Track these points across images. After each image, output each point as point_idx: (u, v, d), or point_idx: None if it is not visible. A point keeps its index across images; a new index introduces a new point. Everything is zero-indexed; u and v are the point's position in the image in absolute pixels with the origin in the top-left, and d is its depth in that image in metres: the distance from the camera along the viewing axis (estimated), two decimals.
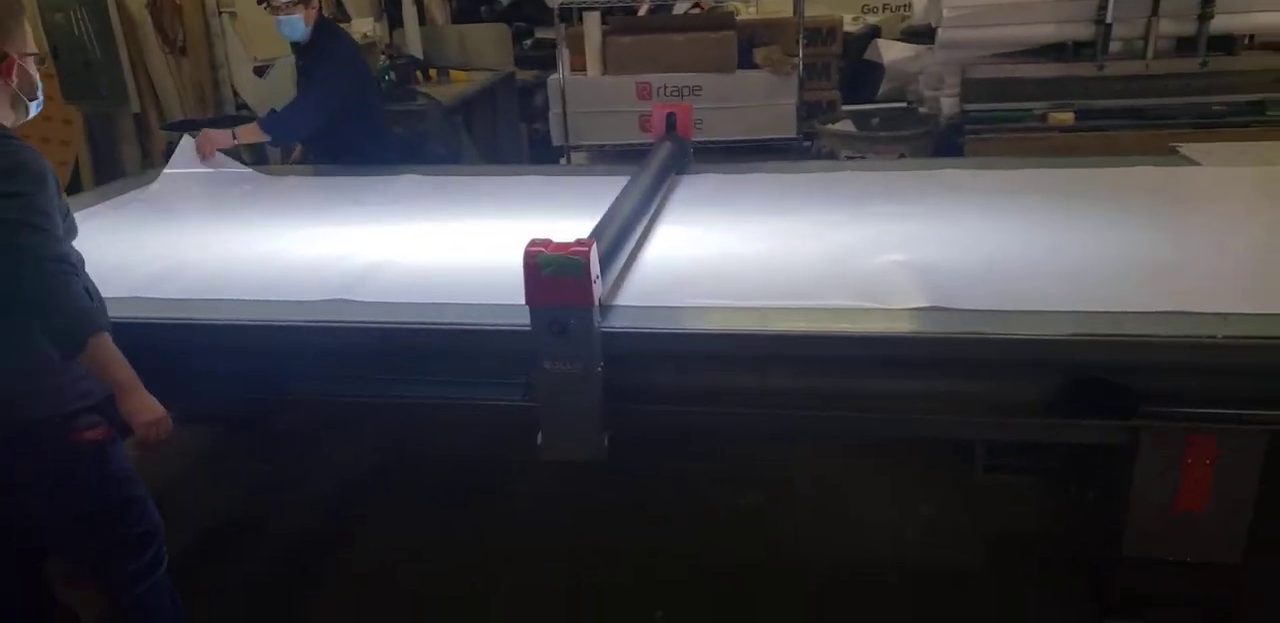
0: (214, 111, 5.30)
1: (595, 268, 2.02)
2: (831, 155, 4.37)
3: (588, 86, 4.77)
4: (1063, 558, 2.61)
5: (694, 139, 3.59)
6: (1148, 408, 2.07)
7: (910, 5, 5.68)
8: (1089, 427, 2.17)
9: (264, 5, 3.63)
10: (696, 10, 5.96)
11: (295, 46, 3.81)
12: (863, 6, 6.71)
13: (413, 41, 6.06)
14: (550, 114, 4.86)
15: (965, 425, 2.25)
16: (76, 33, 5.03)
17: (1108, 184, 3.03)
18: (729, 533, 2.82)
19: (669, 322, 2.19)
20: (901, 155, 4.27)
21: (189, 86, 5.41)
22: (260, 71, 5.14)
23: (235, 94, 5.35)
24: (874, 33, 5.56)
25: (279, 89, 5.07)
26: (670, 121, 3.40)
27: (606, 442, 2.15)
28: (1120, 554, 2.31)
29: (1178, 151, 3.35)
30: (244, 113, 5.19)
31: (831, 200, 2.99)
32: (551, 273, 1.97)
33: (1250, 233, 2.59)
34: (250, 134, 3.75)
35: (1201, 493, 2.21)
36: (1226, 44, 4.05)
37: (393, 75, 5.30)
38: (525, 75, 6.44)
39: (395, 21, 6.16)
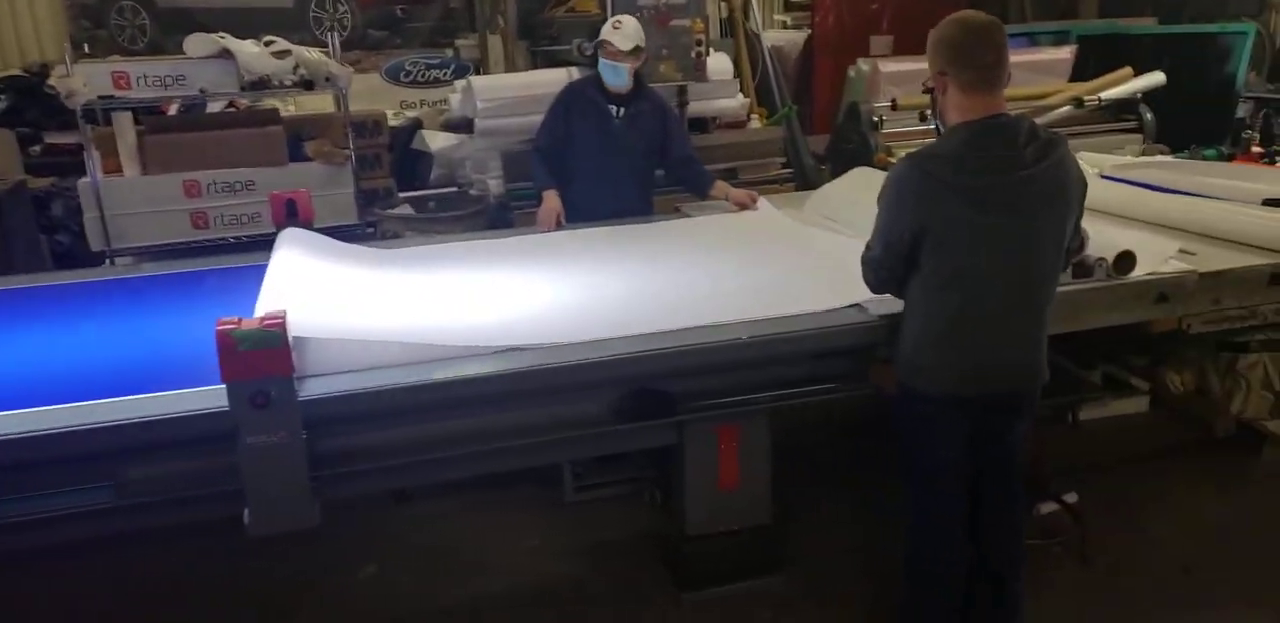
0: None
1: (292, 336, 2.12)
2: (397, 236, 4.62)
3: (126, 188, 4.57)
4: (651, 552, 3.02)
5: (257, 232, 3.63)
6: (684, 405, 2.56)
7: (445, 100, 6.19)
8: (645, 430, 2.61)
9: (585, 51, 3.46)
10: (232, 109, 5.95)
11: (603, 93, 3.81)
12: (400, 102, 7.17)
13: None
14: (85, 219, 4.55)
15: (548, 448, 2.57)
16: None
17: (639, 236, 3.67)
18: (353, 604, 2.86)
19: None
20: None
21: None
22: None
23: None
24: (417, 125, 5.98)
25: None
26: (290, 208, 3.41)
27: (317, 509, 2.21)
28: (685, 534, 2.77)
29: (679, 210, 4.10)
30: None
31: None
32: (250, 346, 2.02)
33: (733, 261, 3.26)
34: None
35: (734, 473, 2.74)
36: (701, 125, 5.02)
37: None
38: (38, 183, 5.86)
39: None
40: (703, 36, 4.88)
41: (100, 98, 4.41)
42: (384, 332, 2.46)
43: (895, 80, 5.20)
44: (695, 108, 5.09)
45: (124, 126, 4.62)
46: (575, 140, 3.87)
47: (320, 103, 5.82)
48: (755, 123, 5.68)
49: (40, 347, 2.74)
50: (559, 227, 3.77)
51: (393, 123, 5.91)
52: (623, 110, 3.87)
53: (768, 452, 2.76)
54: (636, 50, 3.77)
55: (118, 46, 6.87)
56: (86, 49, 6.67)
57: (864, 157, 4.61)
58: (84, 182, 4.54)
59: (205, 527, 2.30)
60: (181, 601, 2.87)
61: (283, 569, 2.96)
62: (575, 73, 4.88)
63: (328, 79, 4.76)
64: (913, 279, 2.31)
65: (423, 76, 7.29)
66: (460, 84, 5.29)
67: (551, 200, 3.80)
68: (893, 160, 4.30)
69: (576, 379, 2.46)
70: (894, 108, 4.64)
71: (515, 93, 4.81)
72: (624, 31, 3.73)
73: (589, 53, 4.83)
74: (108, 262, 4.59)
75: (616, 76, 3.79)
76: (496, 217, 4.75)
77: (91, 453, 2.18)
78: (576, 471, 3.26)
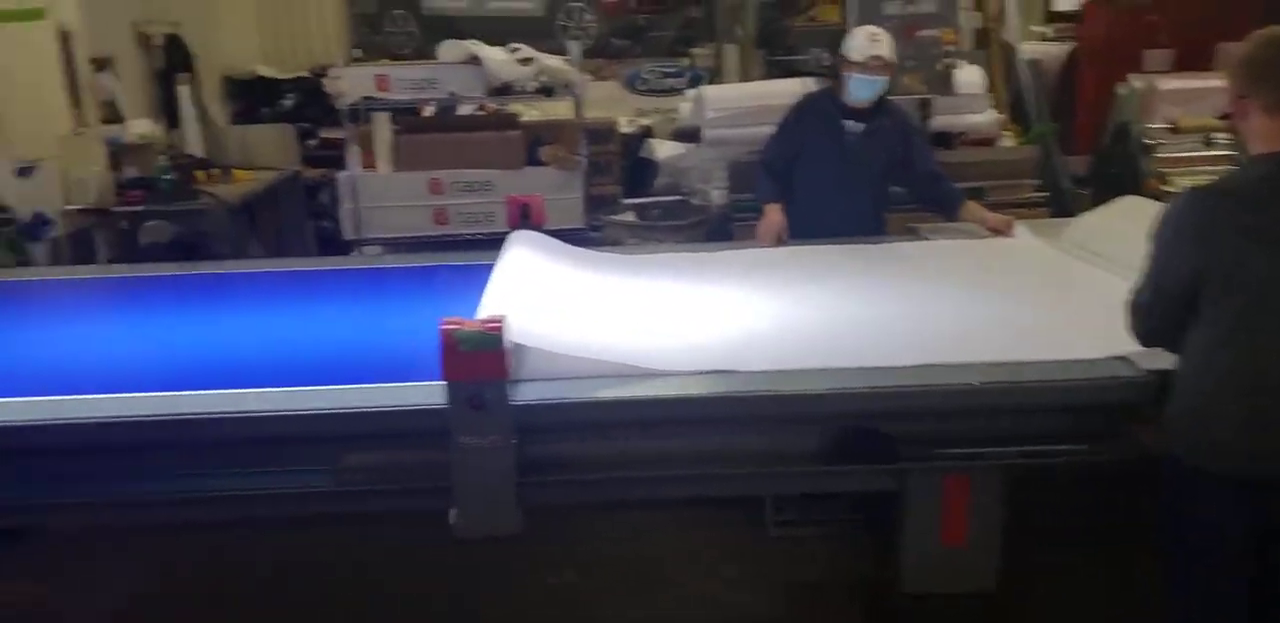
0: None
1: (508, 343, 2.14)
2: (617, 242, 4.67)
3: (379, 182, 4.87)
4: (857, 601, 2.83)
5: (490, 230, 3.75)
6: (908, 452, 2.35)
7: (677, 109, 6.21)
8: (861, 473, 2.42)
9: (855, 64, 3.49)
10: (480, 112, 6.24)
11: (841, 107, 3.65)
12: (636, 110, 7.26)
13: (192, 142, 5.96)
14: (341, 209, 4.90)
15: (755, 480, 2.46)
16: None
17: (868, 257, 3.47)
18: (548, 611, 2.85)
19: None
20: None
21: None
22: (23, 172, 4.88)
23: None
24: (647, 133, 6.03)
25: (43, 190, 4.84)
26: (525, 211, 3.50)
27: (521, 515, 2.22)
28: (901, 591, 2.55)
29: (915, 230, 3.85)
30: (5, 215, 4.87)
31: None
32: (470, 348, 2.07)
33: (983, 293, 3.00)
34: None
35: (961, 528, 2.49)
36: (944, 140, 4.72)
37: (173, 175, 5.18)
38: (312, 173, 6.45)
39: (173, 122, 6.05)
40: (953, 48, 4.60)
41: (364, 98, 4.73)
42: (600, 348, 2.42)
43: (1174, 99, 4.67)
44: (940, 122, 4.80)
45: (381, 125, 4.93)
46: (808, 154, 3.71)
47: (559, 108, 5.99)
48: (1007, 141, 5.29)
49: (281, 329, 2.92)
50: (779, 242, 3.63)
51: (625, 130, 5.99)
52: (862, 125, 3.68)
53: (1001, 509, 2.49)
54: (891, 63, 3.57)
55: (388, 52, 7.38)
56: (361, 54, 7.23)
57: (1132, 183, 4.18)
58: (344, 174, 4.89)
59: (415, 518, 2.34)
60: (373, 586, 2.96)
61: (481, 565, 3.00)
62: (811, 83, 4.74)
63: (567, 86, 4.88)
64: (1191, 330, 1.98)
65: (659, 85, 7.36)
66: (692, 93, 5.27)
67: (774, 214, 3.66)
68: (1167, 188, 3.86)
69: (792, 410, 2.32)
70: (1175, 130, 4.15)
71: (746, 103, 4.73)
72: (883, 44, 3.54)
73: (828, 64, 4.70)
74: (357, 250, 4.93)
75: (868, 91, 3.59)
76: (717, 228, 4.68)
77: (311, 437, 2.26)
78: (779, 505, 3.11)
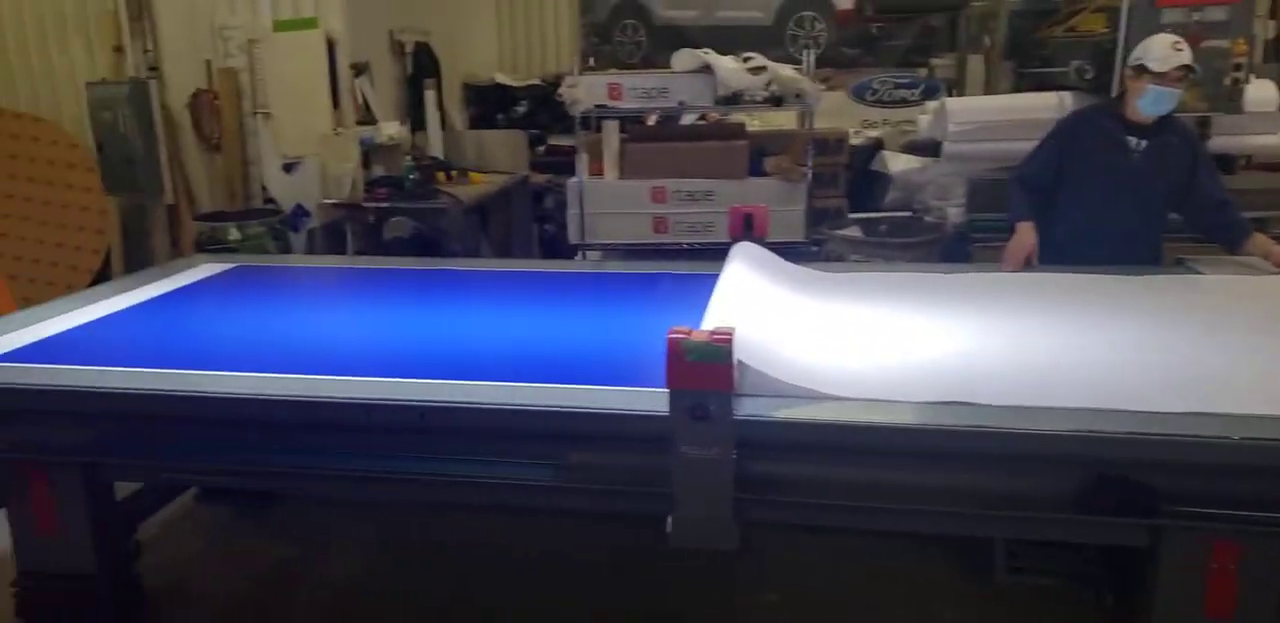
0: (244, 204, 5.48)
1: (735, 356, 2.11)
2: (839, 258, 4.51)
3: (605, 189, 4.96)
4: None
5: (708, 240, 3.70)
6: (1170, 508, 2.11)
7: (910, 121, 5.97)
8: (1110, 526, 2.20)
9: (1153, 75, 3.21)
10: (703, 121, 6.25)
11: (1121, 122, 3.36)
12: (862, 121, 7.04)
13: (434, 144, 6.31)
14: (568, 214, 5.03)
15: (988, 521, 2.28)
16: (121, 129, 5.27)
17: (1127, 290, 3.16)
18: None
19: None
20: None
21: (220, 181, 5.61)
22: (289, 168, 5.34)
23: (264, 189, 5.54)
24: (877, 145, 5.82)
25: (305, 185, 5.27)
26: (748, 222, 3.46)
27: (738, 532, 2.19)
28: None
29: (1184, 262, 3.48)
30: (271, 206, 5.35)
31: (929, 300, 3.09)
32: (697, 358, 2.06)
33: (1258, 338, 2.67)
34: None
35: (1228, 600, 2.21)
36: (1225, 163, 4.25)
37: (416, 174, 5.50)
38: (539, 178, 6.68)
39: (417, 125, 6.43)
40: (1244, 60, 4.14)
41: (596, 106, 4.83)
42: (823, 376, 2.33)
43: None
44: (1222, 143, 4.34)
45: (611, 133, 5.02)
46: (1082, 171, 3.41)
47: (783, 118, 5.90)
48: None
49: (509, 326, 2.99)
50: (1028, 265, 3.38)
51: (853, 142, 5.82)
52: (1144, 142, 3.34)
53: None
54: (1191, 72, 3.24)
55: (617, 61, 7.55)
56: (592, 62, 7.43)
57: None
58: (573, 181, 5.02)
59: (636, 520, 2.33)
60: (575, 584, 2.98)
61: (687, 577, 2.96)
62: (1068, 98, 4.42)
63: (798, 96, 4.78)
64: None
65: (889, 96, 7.11)
66: (932, 104, 5.04)
67: (1027, 234, 3.40)
68: None
69: (1037, 450, 2.13)
70: None
71: (994, 116, 4.46)
72: (1186, 54, 3.20)
73: (1090, 77, 4.35)
74: (580, 254, 5.05)
75: (1165, 104, 3.26)
76: (952, 248, 4.43)
77: (538, 433, 2.31)
78: (1012, 549, 2.87)
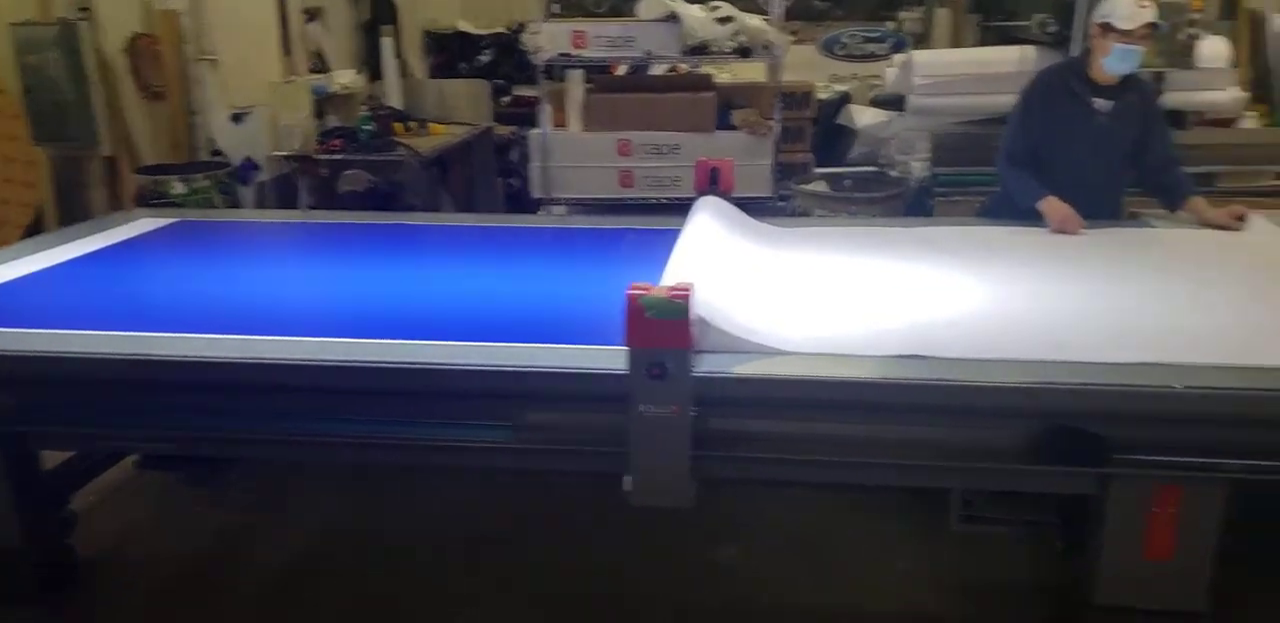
0: (188, 156, 5.30)
1: (693, 312, 2.08)
2: (805, 213, 4.49)
3: (569, 142, 4.87)
4: (1039, 608, 2.64)
5: (675, 195, 3.66)
6: (1117, 456, 2.14)
7: (878, 75, 5.90)
8: (1061, 474, 2.23)
9: (1119, 33, 3.16)
10: (672, 72, 6.14)
11: (1087, 83, 3.30)
12: (831, 75, 6.96)
13: (392, 94, 6.15)
14: (530, 167, 4.94)
15: (943, 472, 2.31)
16: (50, 73, 5.01)
17: (1087, 243, 3.18)
18: (708, 585, 2.80)
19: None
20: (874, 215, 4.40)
21: (163, 131, 5.40)
22: (237, 118, 5.18)
23: (210, 140, 5.36)
24: (845, 99, 5.76)
25: (254, 136, 5.11)
26: (713, 176, 3.41)
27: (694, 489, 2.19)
28: (1093, 603, 2.35)
29: (1139, 217, 3.49)
30: (219, 159, 5.19)
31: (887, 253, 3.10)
32: (655, 315, 2.03)
33: (1211, 290, 2.71)
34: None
35: (1168, 541, 2.26)
36: (1177, 119, 4.26)
37: (373, 125, 5.36)
38: (503, 130, 6.55)
39: (375, 74, 6.26)
40: (1197, 16, 4.12)
41: (560, 55, 4.72)
42: (781, 332, 2.32)
43: None
44: (1175, 99, 4.34)
45: (575, 83, 4.91)
46: (1048, 138, 3.34)
47: (753, 72, 5.81)
48: (1250, 122, 4.74)
49: (467, 284, 2.94)
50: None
51: (821, 96, 5.75)
52: (1111, 103, 3.29)
53: (1217, 524, 2.23)
54: (1156, 28, 3.20)
55: (583, 9, 7.37)
56: (558, 10, 7.24)
57: None
58: (535, 132, 4.92)
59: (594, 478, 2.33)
60: (532, 543, 2.97)
61: (645, 534, 2.97)
62: (1031, 52, 4.39)
63: (765, 47, 4.70)
64: None
65: (858, 49, 6.98)
66: (899, 58, 4.99)
67: (1056, 206, 3.26)
68: None
69: (989, 403, 2.15)
70: None
71: (959, 70, 4.43)
72: (1151, 9, 3.14)
73: (1053, 30, 4.31)
74: (543, 209, 4.97)
75: (1130, 62, 3.21)
76: (915, 202, 4.42)
77: (494, 393, 2.27)
78: (967, 498, 2.91)
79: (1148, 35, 3.18)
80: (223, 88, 5.15)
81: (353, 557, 2.94)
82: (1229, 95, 4.53)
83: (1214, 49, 4.40)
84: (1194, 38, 4.23)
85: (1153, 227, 3.38)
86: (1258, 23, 5.52)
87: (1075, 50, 4.11)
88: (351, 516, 3.18)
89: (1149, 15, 3.14)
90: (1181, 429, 2.14)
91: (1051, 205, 3.27)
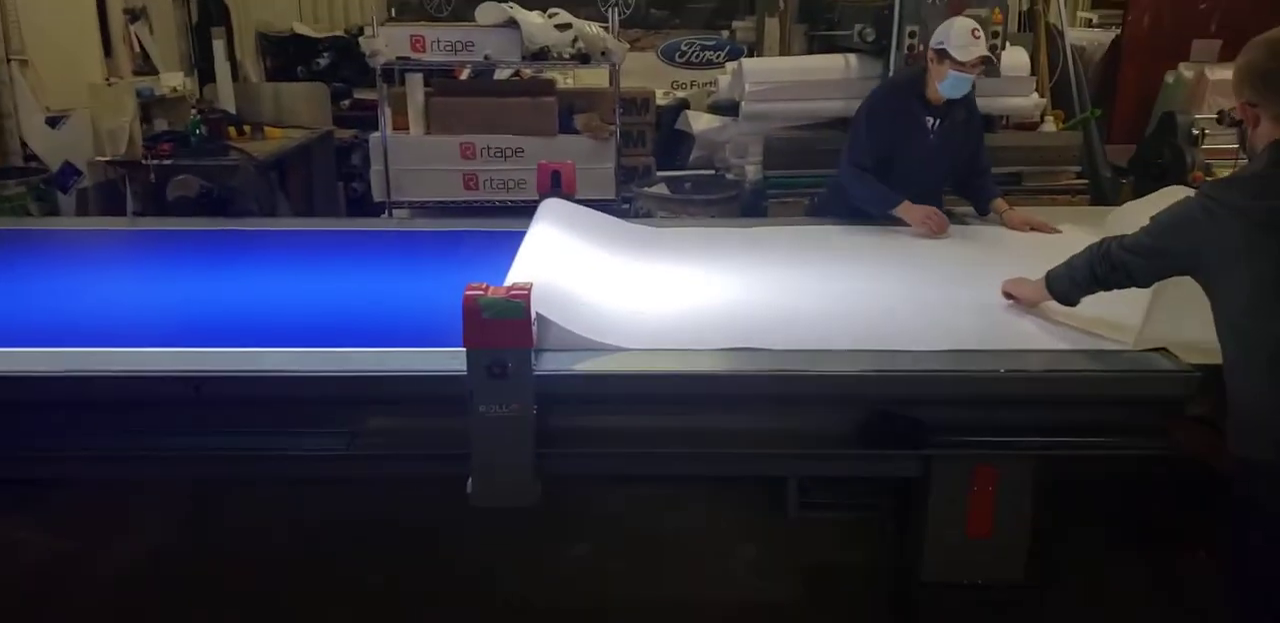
0: (0, 161, 4.94)
1: (534, 311, 2.09)
2: (648, 215, 4.59)
3: (411, 145, 4.83)
4: (876, 587, 2.78)
5: (520, 197, 3.69)
6: (936, 438, 2.30)
7: (715, 82, 6.10)
8: (887, 458, 2.36)
9: (954, 62, 3.30)
10: (516, 78, 6.16)
11: (922, 102, 3.46)
12: (672, 82, 7.14)
13: (225, 97, 5.92)
14: (371, 171, 4.87)
15: (778, 461, 2.42)
16: None
17: (894, 242, 3.38)
18: (563, 585, 2.83)
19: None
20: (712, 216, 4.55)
21: None
22: (53, 122, 4.86)
23: (24, 145, 5.01)
24: (683, 105, 5.92)
25: (73, 141, 4.82)
26: (555, 179, 3.43)
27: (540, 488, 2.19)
28: (920, 581, 2.50)
29: (953, 214, 3.74)
30: (33, 165, 4.86)
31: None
32: (494, 315, 2.02)
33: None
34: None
35: (987, 522, 2.43)
36: (987, 122, 4.59)
37: (203, 129, 5.15)
38: (344, 134, 6.41)
39: (207, 77, 6.01)
40: (999, 28, 4.46)
41: (399, 59, 4.67)
42: (621, 329, 2.39)
43: (1223, 90, 4.55)
44: (983, 104, 4.65)
45: (415, 87, 4.87)
46: (884, 153, 3.51)
47: (596, 78, 5.90)
48: (1050, 126, 5.16)
49: (304, 290, 2.89)
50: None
51: (661, 102, 5.89)
52: (940, 122, 3.51)
53: (1031, 500, 2.42)
54: (988, 62, 3.42)
55: (425, 13, 7.29)
56: (393, 14, 7.14)
57: (1176, 173, 4.07)
58: (375, 135, 4.85)
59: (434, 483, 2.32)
60: (386, 551, 2.94)
61: (495, 535, 2.98)
62: (853, 60, 4.63)
63: (603, 53, 4.79)
64: (1218, 316, 1.92)
65: (697, 57, 7.23)
66: (731, 66, 5.16)
67: (914, 209, 3.43)
68: (1211, 180, 3.75)
69: (816, 392, 2.28)
70: (1227, 122, 4.02)
71: (786, 77, 4.63)
72: (984, 41, 3.35)
73: (871, 39, 4.56)
74: (386, 212, 4.89)
75: (964, 88, 3.42)
76: (750, 203, 4.60)
77: (329, 400, 2.24)
78: (804, 486, 3.05)
79: (979, 65, 3.39)
80: (37, 89, 4.83)
81: (190, 578, 2.83)
82: (1030, 101, 4.92)
83: (1016, 59, 4.77)
84: (998, 48, 4.58)
85: (966, 223, 3.64)
86: (1054, 36, 6.02)
87: (894, 59, 4.38)
88: (188, 536, 3.06)
89: (982, 48, 3.35)
90: (993, 411, 2.31)
91: (909, 209, 3.46)
